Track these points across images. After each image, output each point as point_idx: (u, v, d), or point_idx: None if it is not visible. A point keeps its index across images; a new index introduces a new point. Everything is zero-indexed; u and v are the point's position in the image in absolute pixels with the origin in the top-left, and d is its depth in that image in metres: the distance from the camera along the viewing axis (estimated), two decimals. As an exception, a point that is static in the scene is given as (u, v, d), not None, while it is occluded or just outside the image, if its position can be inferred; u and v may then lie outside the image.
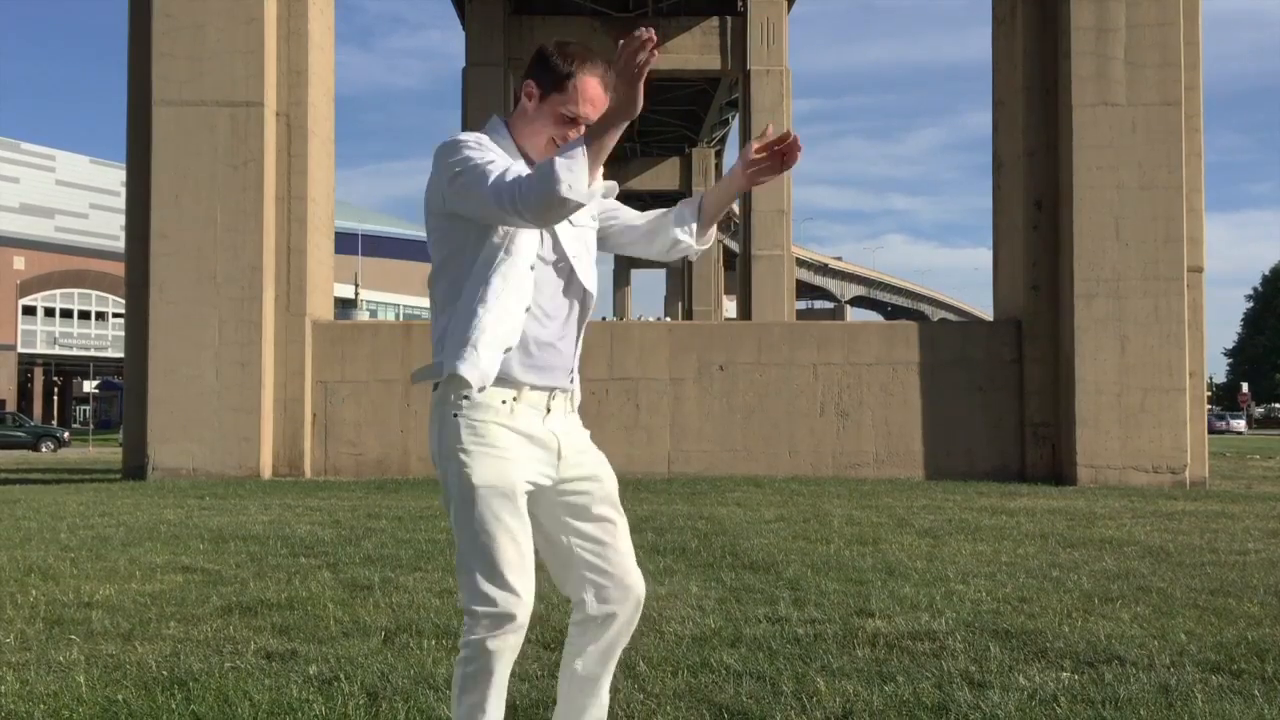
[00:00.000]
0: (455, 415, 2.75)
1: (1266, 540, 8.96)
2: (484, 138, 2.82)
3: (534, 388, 2.81)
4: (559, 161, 2.54)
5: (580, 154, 2.55)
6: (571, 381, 2.92)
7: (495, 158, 2.72)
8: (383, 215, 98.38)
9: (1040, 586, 6.50)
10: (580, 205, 2.57)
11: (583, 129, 2.72)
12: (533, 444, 2.80)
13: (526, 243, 2.80)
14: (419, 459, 17.17)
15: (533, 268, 2.81)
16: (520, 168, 2.70)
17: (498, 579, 2.70)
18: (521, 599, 2.72)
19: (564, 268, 2.87)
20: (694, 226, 3.04)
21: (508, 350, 2.76)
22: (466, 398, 2.75)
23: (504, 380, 2.77)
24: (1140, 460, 15.98)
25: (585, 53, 2.86)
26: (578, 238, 2.92)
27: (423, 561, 7.37)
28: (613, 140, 2.59)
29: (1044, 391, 16.99)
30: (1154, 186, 16.22)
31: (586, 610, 2.92)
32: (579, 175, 2.54)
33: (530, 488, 2.80)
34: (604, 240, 3.10)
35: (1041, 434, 16.98)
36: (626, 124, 2.58)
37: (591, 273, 2.96)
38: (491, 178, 2.65)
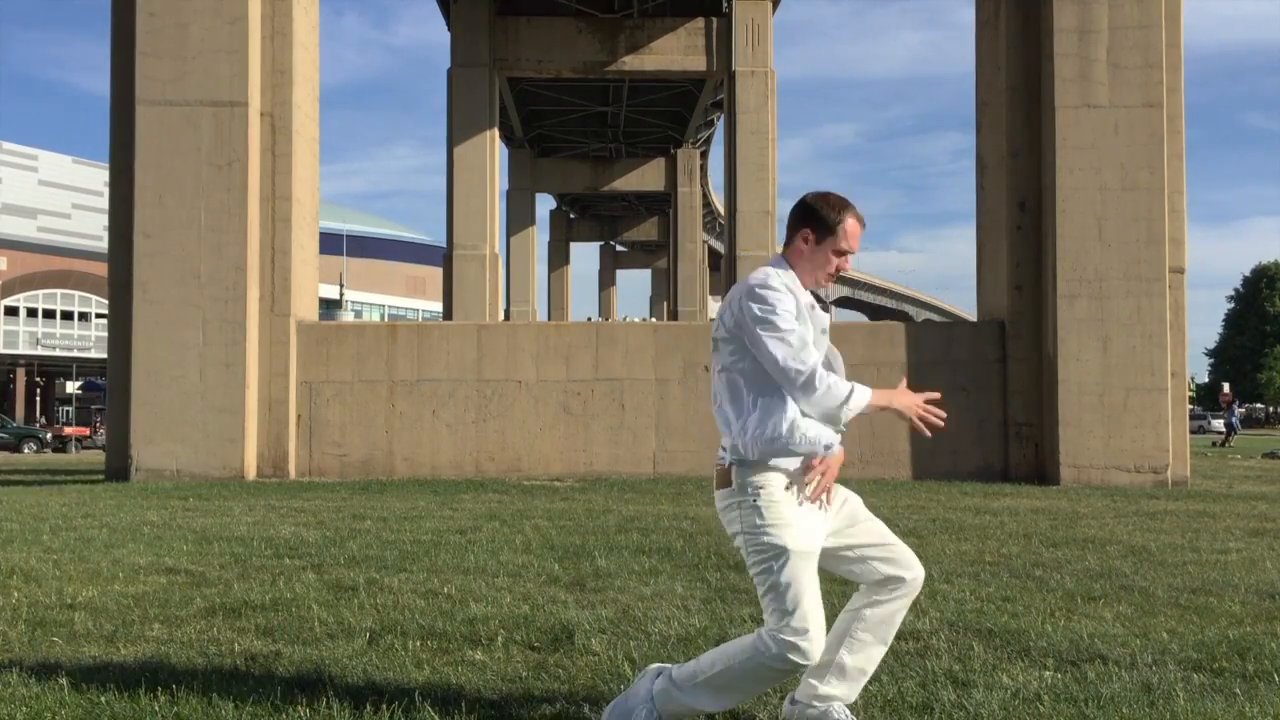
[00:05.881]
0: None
1: (1247, 539, 9.02)
2: (784, 290, 3.46)
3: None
4: (856, 397, 3.54)
5: (866, 397, 3.55)
6: None
7: (796, 328, 3.44)
8: (368, 216, 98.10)
9: (1023, 586, 6.53)
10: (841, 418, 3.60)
11: (847, 260, 3.56)
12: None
13: None
14: (403, 460, 17.14)
15: None
16: (813, 359, 3.45)
17: None
18: None
19: None
20: None
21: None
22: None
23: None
24: (1122, 460, 16.06)
25: (843, 201, 3.58)
26: None
27: (408, 563, 7.35)
28: (878, 405, 3.63)
29: (1027, 391, 17.07)
30: (1136, 187, 16.31)
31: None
32: (857, 406, 3.56)
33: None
34: None
35: (1025, 434, 17.05)
36: (894, 409, 3.66)
37: None
38: (783, 352, 3.42)
